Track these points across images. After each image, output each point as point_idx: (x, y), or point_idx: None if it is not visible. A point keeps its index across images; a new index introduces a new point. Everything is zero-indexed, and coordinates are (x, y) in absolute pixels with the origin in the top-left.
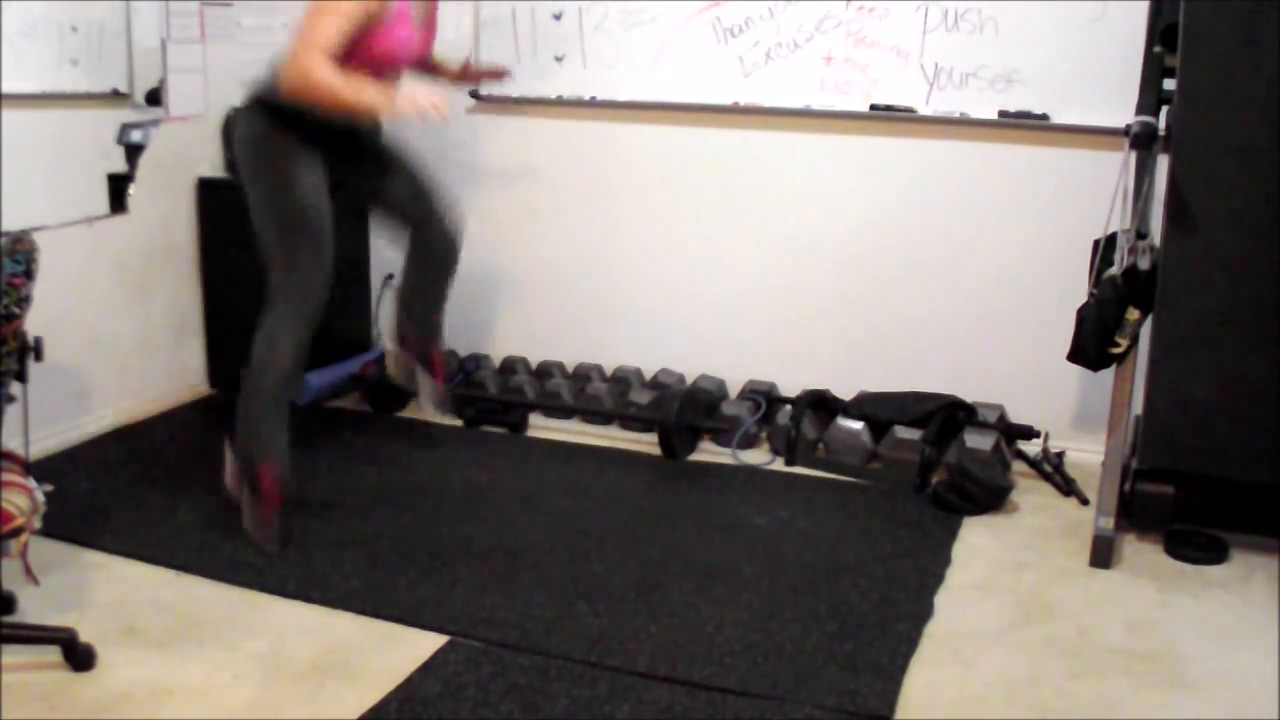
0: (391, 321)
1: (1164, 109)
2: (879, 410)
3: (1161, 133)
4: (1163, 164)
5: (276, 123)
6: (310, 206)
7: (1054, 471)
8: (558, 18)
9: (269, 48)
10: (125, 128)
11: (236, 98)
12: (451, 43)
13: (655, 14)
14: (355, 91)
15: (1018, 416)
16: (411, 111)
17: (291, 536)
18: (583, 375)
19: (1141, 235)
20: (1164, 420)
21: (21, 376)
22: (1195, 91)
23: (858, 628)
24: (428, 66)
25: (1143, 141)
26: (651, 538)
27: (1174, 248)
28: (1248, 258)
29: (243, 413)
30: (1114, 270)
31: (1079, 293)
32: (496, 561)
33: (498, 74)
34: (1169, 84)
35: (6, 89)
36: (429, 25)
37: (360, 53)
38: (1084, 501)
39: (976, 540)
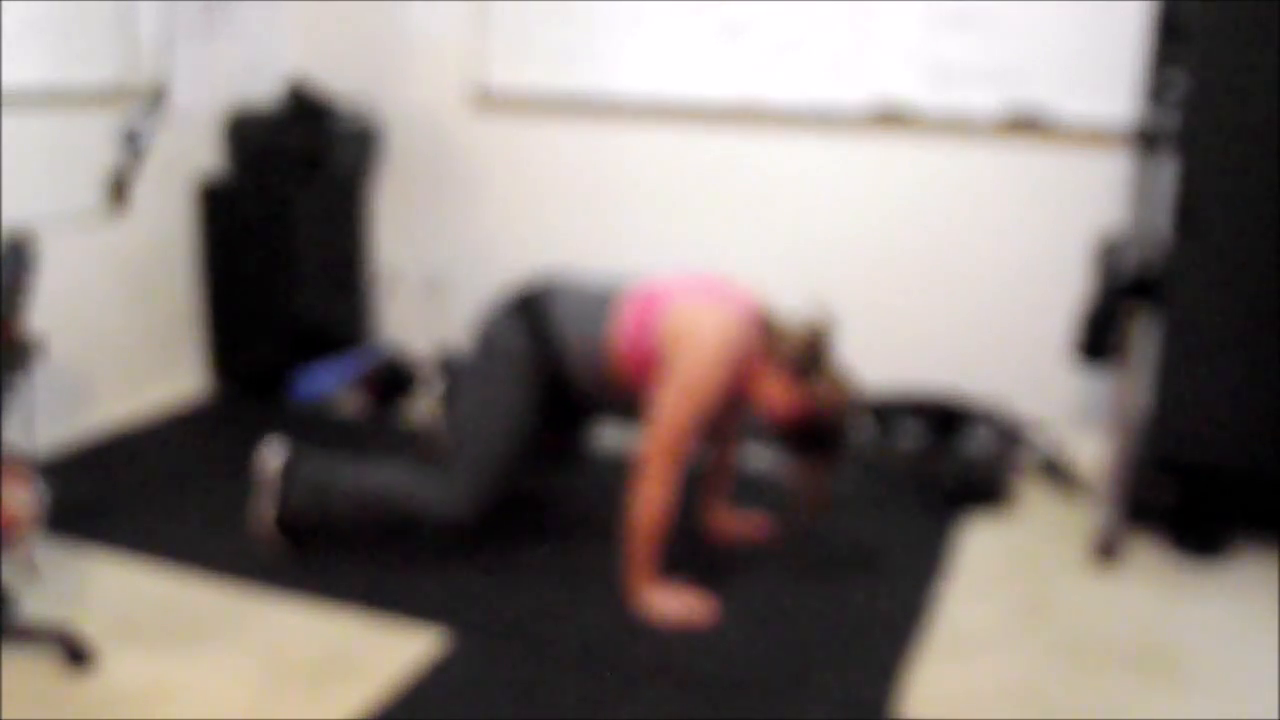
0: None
1: (1165, 109)
2: (879, 409)
3: (1162, 132)
4: (1163, 164)
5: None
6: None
7: (1054, 470)
8: (561, 18)
9: (268, 47)
10: (125, 127)
11: (236, 98)
12: (453, 43)
13: (657, 14)
14: (648, 557)
15: (1018, 415)
16: (687, 622)
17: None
18: None
19: (1142, 235)
20: (1167, 419)
21: (21, 376)
22: (1202, 91)
23: (858, 627)
24: (725, 439)
25: (1144, 141)
26: None
27: (1182, 246)
28: (1255, 256)
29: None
30: (1114, 269)
31: (1079, 291)
32: (496, 561)
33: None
34: (1170, 83)
35: (6, 88)
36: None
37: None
38: (1085, 500)
39: (977, 539)
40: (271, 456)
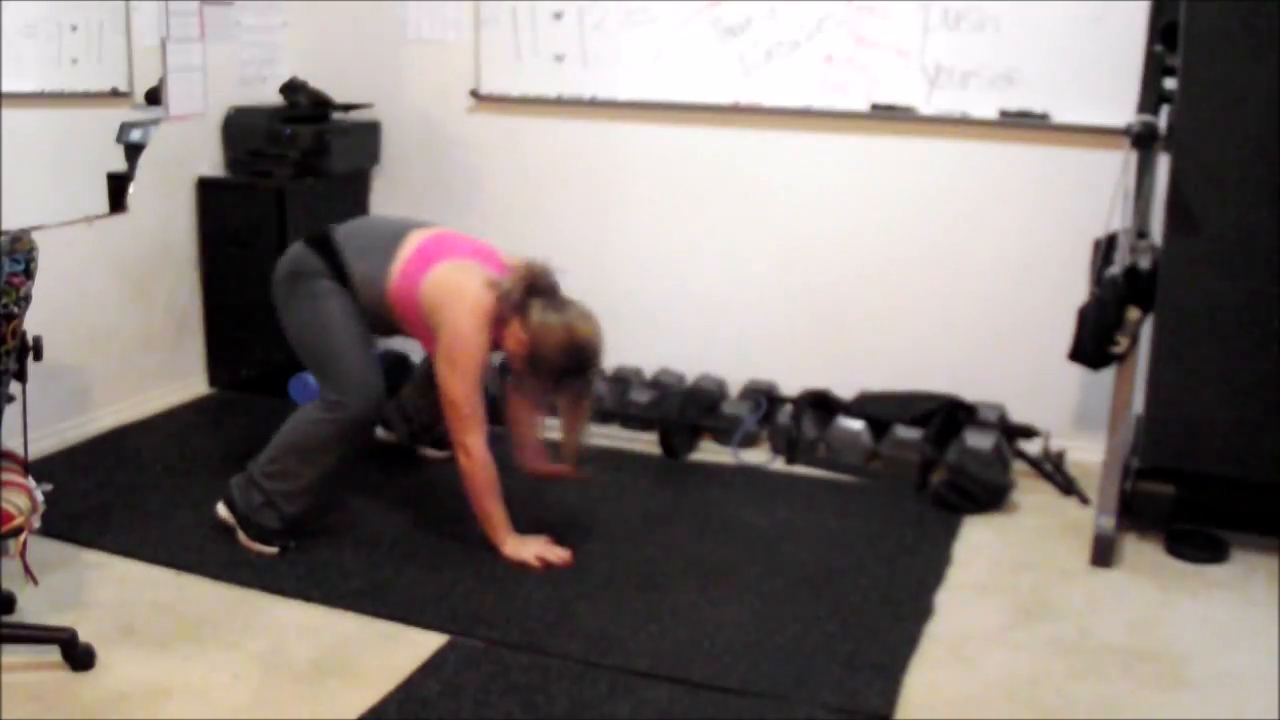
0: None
1: (1164, 108)
2: (879, 410)
3: (1162, 132)
4: (1163, 163)
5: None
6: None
7: (1054, 471)
8: (558, 17)
9: (269, 47)
10: (125, 127)
11: (236, 97)
12: (453, 43)
13: (655, 13)
14: (492, 513)
15: (1018, 416)
16: (540, 566)
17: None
18: None
19: (1142, 235)
20: (1164, 420)
21: (21, 376)
22: (1196, 91)
23: (858, 628)
24: (568, 411)
25: (1143, 141)
26: (651, 538)
27: (1174, 247)
28: (1248, 257)
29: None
30: (1114, 270)
31: (1079, 292)
32: (496, 561)
33: (579, 477)
34: (1169, 83)
35: (6, 89)
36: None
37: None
38: (1084, 501)
39: (977, 540)
40: (220, 507)
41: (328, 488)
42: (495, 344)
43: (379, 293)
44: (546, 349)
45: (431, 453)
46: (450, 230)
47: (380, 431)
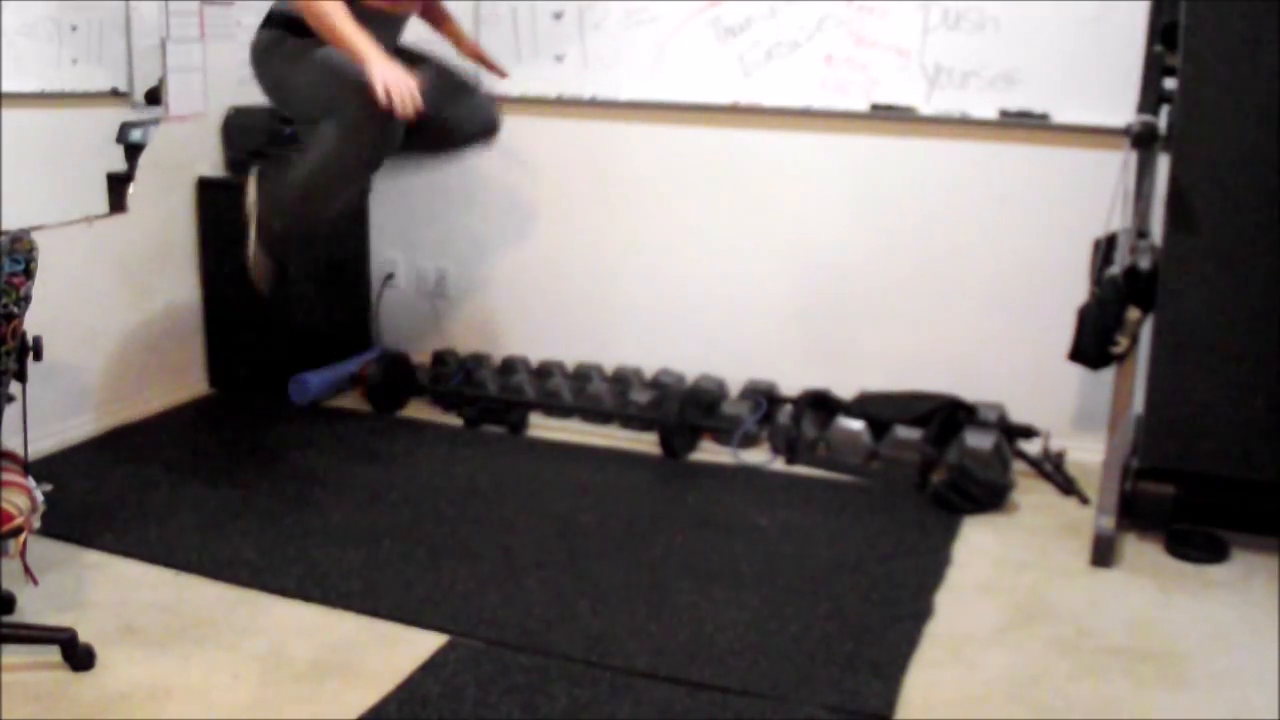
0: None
1: (1164, 108)
2: (879, 410)
3: (1162, 132)
4: (1163, 163)
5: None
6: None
7: (1054, 471)
8: (558, 17)
9: None
10: (125, 127)
11: (236, 97)
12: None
13: (655, 13)
14: (351, 37)
15: (1018, 416)
16: (384, 94)
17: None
18: (583, 375)
19: (1142, 235)
20: (1164, 420)
21: (21, 376)
22: (1196, 91)
23: (858, 628)
24: (436, 17)
25: (1143, 141)
26: (651, 538)
27: (1174, 247)
28: (1248, 257)
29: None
30: (1114, 270)
31: (1079, 292)
32: (496, 561)
33: (495, 68)
34: (1169, 83)
35: (6, 89)
36: None
37: None
38: (1084, 501)
39: (977, 540)
40: (251, 184)
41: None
42: None
43: None
44: None
45: None
46: None
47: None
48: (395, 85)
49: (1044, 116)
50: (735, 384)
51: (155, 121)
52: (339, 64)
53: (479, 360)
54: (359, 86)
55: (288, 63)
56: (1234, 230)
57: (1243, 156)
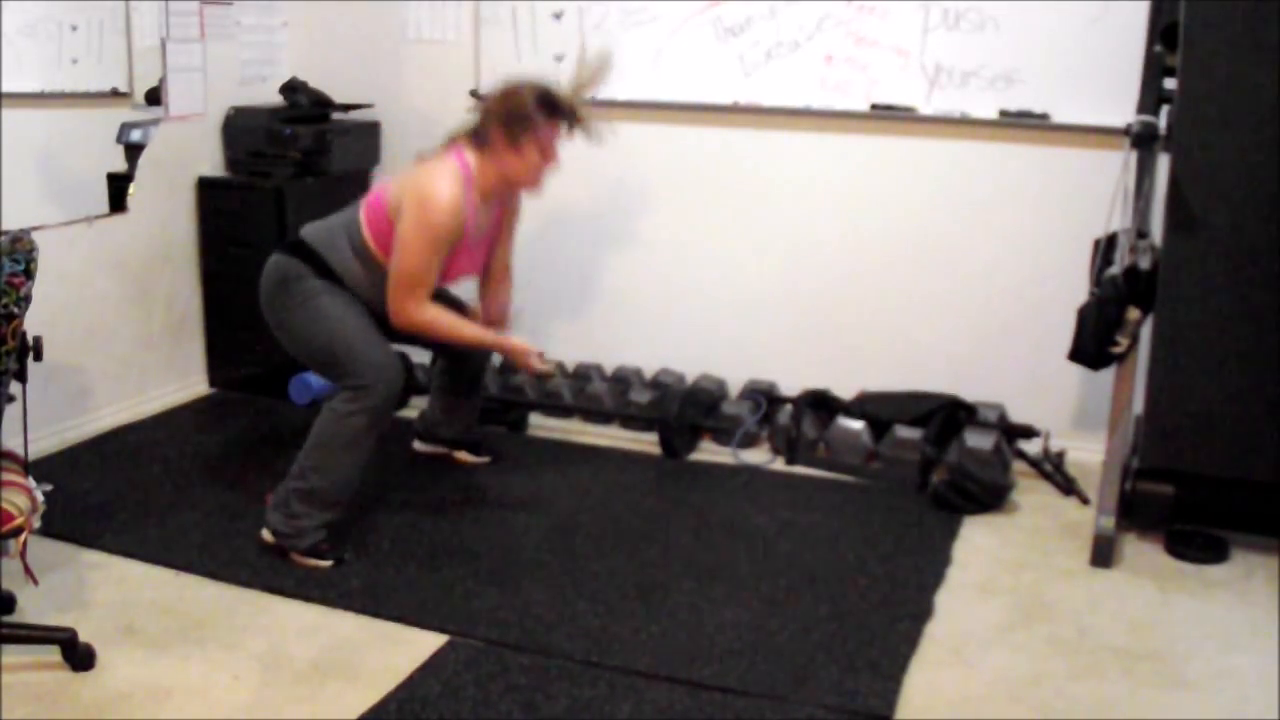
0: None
1: (1164, 108)
2: (879, 410)
3: (1162, 132)
4: (1163, 163)
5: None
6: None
7: (1054, 471)
8: (558, 17)
9: (268, 47)
10: (125, 127)
11: (236, 97)
12: (453, 43)
13: (655, 13)
14: (470, 336)
15: (1018, 416)
16: (525, 363)
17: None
18: (583, 374)
19: (1142, 235)
20: (1164, 420)
21: (21, 376)
22: (1196, 91)
23: (858, 628)
24: (485, 277)
25: (1143, 141)
26: (651, 538)
27: (1174, 247)
28: (1248, 257)
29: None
30: (1114, 270)
31: (1079, 292)
32: (496, 561)
33: (541, 372)
34: (1169, 83)
35: (6, 89)
36: (496, 229)
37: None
38: (1084, 501)
39: (977, 540)
40: (264, 532)
41: (366, 488)
42: (483, 191)
43: (360, 245)
44: (516, 102)
45: (466, 457)
46: None
47: (419, 445)
48: (525, 355)
49: (1044, 116)
50: (735, 384)
51: (155, 121)
52: (353, 336)
53: None
54: (371, 363)
55: (304, 309)
56: (1234, 230)
57: (1243, 156)
